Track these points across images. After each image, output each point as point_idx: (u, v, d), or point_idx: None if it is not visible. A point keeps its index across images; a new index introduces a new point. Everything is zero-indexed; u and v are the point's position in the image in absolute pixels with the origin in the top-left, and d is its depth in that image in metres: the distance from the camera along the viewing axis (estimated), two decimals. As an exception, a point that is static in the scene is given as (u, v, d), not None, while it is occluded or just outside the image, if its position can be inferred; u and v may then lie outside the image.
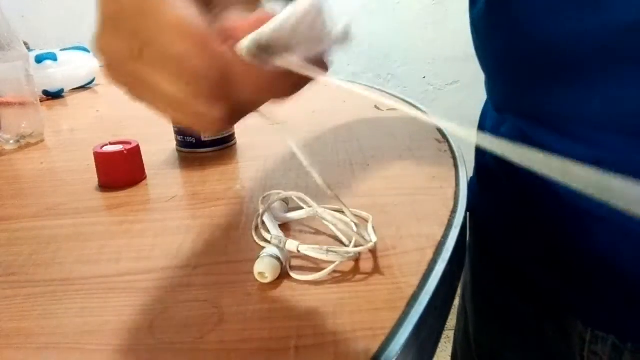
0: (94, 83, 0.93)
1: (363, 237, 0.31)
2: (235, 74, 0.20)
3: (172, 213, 0.39)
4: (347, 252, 0.30)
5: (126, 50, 0.21)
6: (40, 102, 0.64)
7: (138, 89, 0.22)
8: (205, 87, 0.20)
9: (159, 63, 0.20)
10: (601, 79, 0.30)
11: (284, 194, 0.37)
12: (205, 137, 0.51)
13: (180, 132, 0.52)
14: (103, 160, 0.44)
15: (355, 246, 0.32)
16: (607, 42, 0.29)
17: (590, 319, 0.37)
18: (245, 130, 0.56)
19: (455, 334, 0.56)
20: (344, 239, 0.33)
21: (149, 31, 0.20)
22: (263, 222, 0.35)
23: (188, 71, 0.20)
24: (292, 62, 0.21)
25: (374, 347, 0.24)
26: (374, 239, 0.32)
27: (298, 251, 0.30)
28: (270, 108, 0.23)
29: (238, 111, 0.22)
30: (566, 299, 0.38)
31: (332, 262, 0.30)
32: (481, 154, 0.47)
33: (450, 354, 0.59)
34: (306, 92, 0.23)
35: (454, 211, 0.36)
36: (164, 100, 0.21)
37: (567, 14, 0.30)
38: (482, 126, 0.48)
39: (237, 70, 0.20)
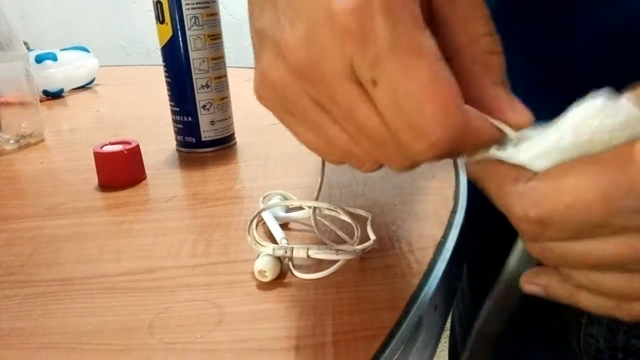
0: (94, 83, 0.93)
1: (366, 236, 0.32)
2: (459, 150, 0.19)
3: (172, 213, 0.39)
4: (356, 251, 0.30)
5: (346, 68, 0.18)
6: (40, 102, 0.64)
7: (320, 108, 0.20)
8: (427, 156, 0.19)
9: (390, 106, 0.18)
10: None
11: (284, 193, 0.38)
12: (205, 137, 0.51)
13: (180, 132, 0.52)
14: (103, 160, 0.44)
15: (358, 244, 0.32)
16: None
17: None
18: (245, 130, 0.56)
19: (452, 323, 0.56)
20: (346, 238, 0.33)
21: (396, 73, 0.17)
22: (263, 222, 0.35)
23: (426, 134, 0.18)
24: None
25: (374, 347, 0.24)
26: (372, 237, 0.32)
27: (308, 256, 0.30)
28: None
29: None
30: None
31: (336, 261, 0.30)
32: None
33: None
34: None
35: (454, 211, 0.36)
36: (357, 129, 0.20)
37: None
38: None
39: (462, 149, 0.19)
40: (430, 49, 0.17)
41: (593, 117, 0.17)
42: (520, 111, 0.20)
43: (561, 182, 0.17)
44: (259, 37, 0.21)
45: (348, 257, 0.30)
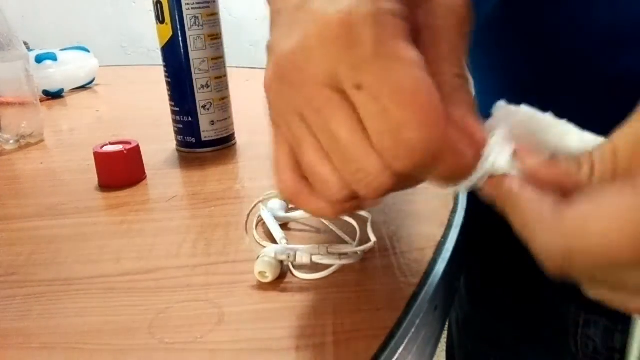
0: (93, 83, 0.93)
1: (366, 236, 0.32)
2: (443, 162, 0.19)
3: (172, 213, 0.39)
4: (357, 253, 0.30)
5: (331, 75, 0.19)
6: (40, 102, 0.64)
7: (299, 111, 0.21)
8: (410, 162, 0.19)
9: (372, 111, 0.19)
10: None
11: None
12: (205, 137, 0.51)
13: (180, 132, 0.52)
14: (103, 160, 0.44)
15: (359, 245, 0.32)
16: None
17: (584, 303, 0.38)
18: (245, 130, 0.56)
19: (449, 323, 0.56)
20: (347, 238, 0.33)
21: (380, 78, 0.18)
22: (263, 222, 0.35)
23: (404, 139, 0.18)
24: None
25: (374, 347, 0.24)
26: (373, 238, 0.32)
27: (311, 261, 0.29)
28: None
29: (403, 185, 0.21)
30: (560, 286, 0.39)
31: (338, 262, 0.30)
32: None
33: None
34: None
35: (453, 211, 0.36)
36: (331, 141, 0.20)
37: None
38: None
39: (447, 160, 0.19)
40: (413, 58, 0.18)
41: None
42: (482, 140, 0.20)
43: (592, 213, 0.17)
44: (267, 54, 0.22)
45: (351, 260, 0.30)
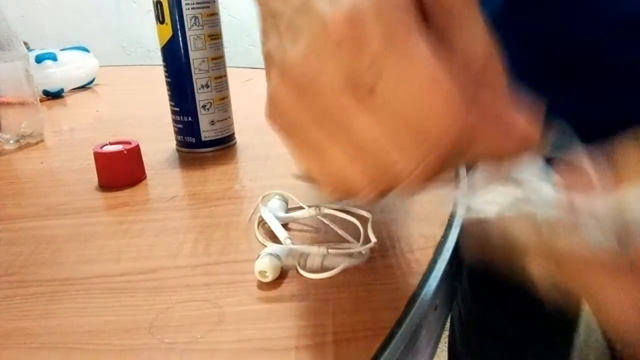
0: (93, 83, 0.93)
1: (368, 236, 0.32)
2: (467, 152, 0.19)
3: (172, 213, 0.39)
4: (361, 253, 0.30)
5: (344, 79, 0.18)
6: (40, 102, 0.64)
7: (316, 118, 0.20)
8: (430, 160, 0.18)
9: (388, 113, 0.18)
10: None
11: (284, 193, 0.38)
12: (205, 137, 0.51)
13: (180, 132, 0.52)
14: (103, 160, 0.44)
15: (362, 244, 0.32)
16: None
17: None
18: (245, 130, 0.56)
19: (451, 320, 0.56)
20: (349, 238, 0.33)
21: (392, 79, 0.18)
22: (264, 222, 0.35)
23: (423, 133, 0.18)
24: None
25: (374, 347, 0.24)
26: (373, 239, 0.32)
27: (322, 265, 0.29)
28: None
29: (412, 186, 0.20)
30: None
31: (344, 262, 0.30)
32: None
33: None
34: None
35: (453, 211, 0.36)
36: (355, 146, 0.19)
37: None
38: None
39: (470, 150, 0.19)
40: (424, 51, 0.18)
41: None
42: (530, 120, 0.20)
43: None
44: (266, 61, 0.21)
45: (357, 261, 0.30)
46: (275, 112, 0.21)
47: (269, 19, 0.21)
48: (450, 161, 0.20)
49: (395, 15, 0.17)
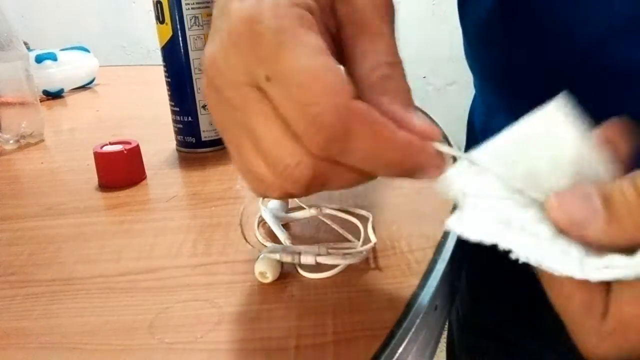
0: (94, 83, 0.93)
1: (368, 236, 0.32)
2: (357, 137, 0.19)
3: (172, 213, 0.39)
4: (361, 253, 0.30)
5: (245, 73, 0.20)
6: (40, 102, 0.64)
7: (232, 114, 0.21)
8: (322, 137, 0.19)
9: (283, 98, 0.19)
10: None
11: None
12: (205, 137, 0.51)
13: (180, 132, 0.52)
14: (103, 160, 0.44)
15: (362, 244, 0.32)
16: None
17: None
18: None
19: (449, 321, 0.56)
20: (350, 237, 0.33)
21: (284, 65, 0.19)
22: (264, 222, 0.35)
23: (311, 115, 0.19)
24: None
25: (374, 347, 0.24)
26: (373, 239, 0.32)
27: (316, 262, 0.29)
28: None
29: (323, 182, 0.21)
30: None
31: (343, 262, 0.30)
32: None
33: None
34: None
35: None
36: (257, 140, 0.20)
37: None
38: (471, 122, 0.48)
39: (361, 133, 0.19)
40: (314, 43, 0.19)
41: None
42: (426, 125, 0.21)
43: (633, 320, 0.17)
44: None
45: (356, 260, 0.30)
46: (210, 112, 0.23)
47: (212, 21, 0.23)
48: (342, 157, 0.20)
49: (289, 13, 0.19)
